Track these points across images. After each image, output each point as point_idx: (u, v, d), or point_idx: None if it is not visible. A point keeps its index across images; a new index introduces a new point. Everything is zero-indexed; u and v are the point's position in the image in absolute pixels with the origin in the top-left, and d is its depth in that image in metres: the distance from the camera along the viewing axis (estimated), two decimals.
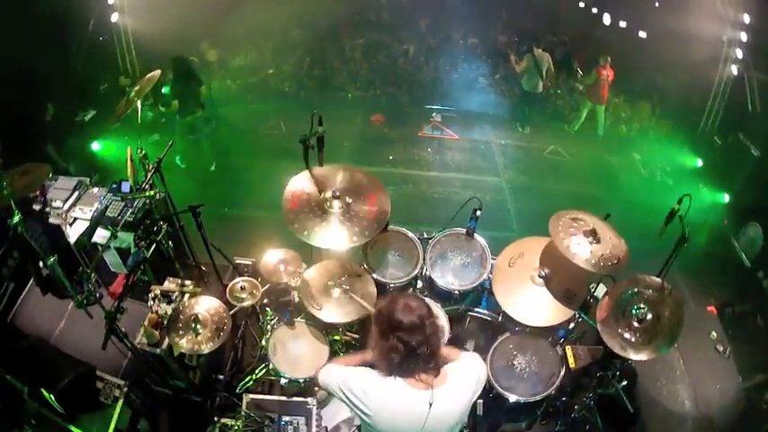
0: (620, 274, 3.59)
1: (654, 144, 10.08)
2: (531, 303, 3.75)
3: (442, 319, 2.58)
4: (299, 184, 3.81)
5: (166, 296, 4.13)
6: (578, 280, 3.71)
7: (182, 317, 3.73)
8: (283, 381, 3.92)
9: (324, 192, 3.75)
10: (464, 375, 2.62)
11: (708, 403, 4.40)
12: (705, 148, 9.40)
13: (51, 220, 4.91)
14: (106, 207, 4.78)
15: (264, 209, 7.44)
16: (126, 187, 4.68)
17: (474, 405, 3.88)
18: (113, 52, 9.04)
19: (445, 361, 2.61)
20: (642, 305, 3.41)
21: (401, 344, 2.45)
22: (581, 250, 3.42)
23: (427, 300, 2.61)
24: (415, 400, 2.48)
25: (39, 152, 6.81)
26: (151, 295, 4.12)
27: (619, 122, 11.04)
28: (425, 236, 4.40)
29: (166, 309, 4.00)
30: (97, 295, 3.92)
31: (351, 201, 3.74)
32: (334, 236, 3.62)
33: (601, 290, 4.07)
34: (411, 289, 4.29)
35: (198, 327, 3.65)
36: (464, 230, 4.31)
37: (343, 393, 2.60)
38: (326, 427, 3.79)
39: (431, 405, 2.46)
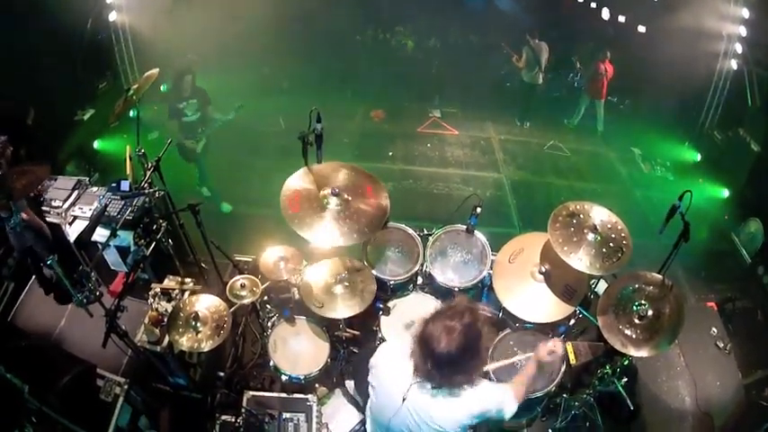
0: (620, 270, 3.59)
1: (654, 139, 10.06)
2: (532, 299, 3.75)
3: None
4: (296, 183, 3.79)
5: (166, 294, 4.13)
6: (579, 276, 3.71)
7: (182, 314, 3.73)
8: (284, 378, 3.93)
9: (322, 189, 3.74)
10: (468, 400, 2.58)
11: (708, 400, 4.39)
12: (705, 143, 9.39)
13: (51, 219, 4.91)
14: (106, 206, 4.77)
15: (264, 206, 7.44)
16: (125, 186, 4.67)
17: None
18: (112, 51, 9.01)
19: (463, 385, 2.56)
20: (643, 301, 3.40)
21: (412, 346, 2.53)
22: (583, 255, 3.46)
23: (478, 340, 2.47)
24: (400, 384, 2.55)
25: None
26: (151, 293, 4.12)
27: (618, 117, 11.03)
28: (425, 232, 4.40)
29: (166, 307, 4.00)
30: (97, 294, 3.92)
31: (349, 198, 3.73)
32: (331, 233, 3.58)
33: (601, 286, 4.07)
34: (412, 285, 4.29)
35: (198, 324, 3.65)
36: (464, 227, 4.31)
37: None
38: (327, 424, 3.79)
39: (404, 400, 2.53)
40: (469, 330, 2.42)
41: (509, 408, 2.76)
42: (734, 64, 8.73)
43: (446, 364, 2.40)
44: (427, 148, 10.07)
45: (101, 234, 4.68)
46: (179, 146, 7.14)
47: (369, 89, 11.54)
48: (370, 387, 2.80)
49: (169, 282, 4.24)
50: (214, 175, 7.91)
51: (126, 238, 4.59)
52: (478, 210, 4.14)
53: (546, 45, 10.17)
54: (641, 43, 10.20)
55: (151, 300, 4.08)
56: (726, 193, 8.24)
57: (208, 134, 7.25)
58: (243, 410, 3.77)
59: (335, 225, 3.59)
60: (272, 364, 3.96)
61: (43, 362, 3.81)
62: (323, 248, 4.14)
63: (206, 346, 3.62)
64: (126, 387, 3.93)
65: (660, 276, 3.48)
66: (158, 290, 4.13)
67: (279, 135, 9.47)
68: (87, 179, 5.26)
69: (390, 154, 9.73)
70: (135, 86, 4.38)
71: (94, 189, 5.17)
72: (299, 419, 3.82)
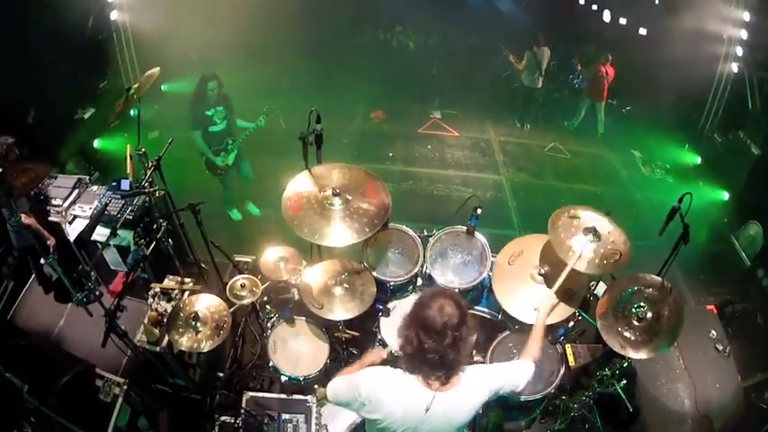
0: (620, 272, 3.58)
1: (654, 142, 10.05)
2: (531, 301, 3.75)
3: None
4: (297, 186, 3.80)
5: (166, 294, 4.13)
6: (578, 278, 3.70)
7: (182, 315, 3.73)
8: (283, 378, 3.93)
9: (323, 190, 3.74)
10: (475, 382, 2.56)
11: (707, 402, 4.40)
12: (705, 146, 9.38)
13: (51, 218, 4.92)
14: (106, 205, 4.78)
15: (264, 206, 7.45)
16: (125, 185, 4.67)
17: None
18: (112, 50, 9.01)
19: (463, 368, 2.53)
20: (642, 304, 3.40)
21: (416, 339, 2.42)
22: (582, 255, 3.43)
23: (468, 311, 2.49)
24: (415, 399, 2.46)
25: None
26: (151, 293, 4.12)
27: (619, 120, 11.03)
28: (426, 233, 4.40)
29: (166, 306, 4.00)
30: (97, 293, 3.93)
31: (350, 197, 3.73)
32: (337, 233, 3.60)
33: (601, 288, 4.07)
34: (412, 287, 4.30)
35: (198, 325, 3.65)
36: (464, 228, 4.31)
37: (358, 400, 2.55)
38: (326, 425, 3.79)
39: (427, 410, 2.44)
40: (458, 303, 2.45)
41: (524, 376, 2.75)
42: (734, 67, 8.72)
43: (454, 339, 2.38)
44: (427, 150, 10.05)
45: (101, 233, 4.68)
46: (206, 160, 6.73)
47: (369, 90, 11.53)
48: (368, 421, 2.67)
49: (169, 282, 4.25)
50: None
51: (126, 237, 4.60)
52: (479, 211, 4.14)
53: (548, 50, 10.18)
54: (642, 46, 10.21)
55: (151, 300, 4.08)
56: (725, 195, 8.24)
57: (239, 144, 6.79)
58: (242, 411, 3.77)
59: (344, 224, 3.62)
60: (271, 364, 3.96)
61: (42, 361, 3.82)
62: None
63: (206, 347, 3.62)
64: (125, 387, 3.94)
65: (659, 279, 3.48)
66: (158, 290, 4.13)
67: (279, 135, 9.45)
68: (87, 178, 5.27)
69: (390, 155, 9.72)
70: (136, 85, 4.38)
71: (95, 188, 5.17)
72: (298, 420, 3.82)
